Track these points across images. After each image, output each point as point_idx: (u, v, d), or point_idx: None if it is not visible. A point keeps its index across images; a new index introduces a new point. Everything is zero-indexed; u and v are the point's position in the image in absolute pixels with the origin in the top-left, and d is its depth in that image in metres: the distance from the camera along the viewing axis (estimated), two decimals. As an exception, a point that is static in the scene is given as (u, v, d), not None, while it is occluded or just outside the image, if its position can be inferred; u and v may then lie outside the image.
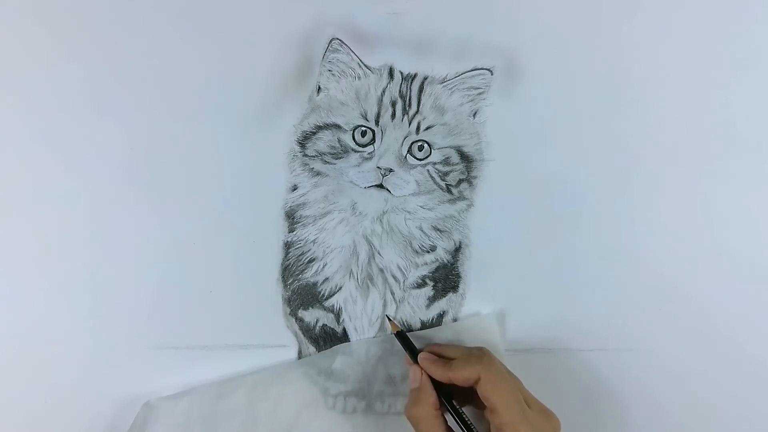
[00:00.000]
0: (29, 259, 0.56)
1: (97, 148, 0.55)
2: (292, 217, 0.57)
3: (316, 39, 0.55)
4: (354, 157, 0.55)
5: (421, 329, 0.57)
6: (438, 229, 0.57)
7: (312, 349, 0.58)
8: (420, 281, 0.57)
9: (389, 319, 0.57)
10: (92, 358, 0.56)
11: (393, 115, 0.55)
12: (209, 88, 0.55)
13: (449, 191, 0.56)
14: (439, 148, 0.56)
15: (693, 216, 0.57)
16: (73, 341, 0.56)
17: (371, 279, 0.57)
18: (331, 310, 0.57)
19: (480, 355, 0.51)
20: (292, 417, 0.56)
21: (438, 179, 0.56)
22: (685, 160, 0.57)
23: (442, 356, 0.52)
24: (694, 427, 0.58)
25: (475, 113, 0.56)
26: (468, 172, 0.56)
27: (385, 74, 0.55)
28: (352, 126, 0.55)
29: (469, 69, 0.55)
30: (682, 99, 0.56)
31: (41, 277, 0.56)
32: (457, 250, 0.57)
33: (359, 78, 0.55)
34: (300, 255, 0.57)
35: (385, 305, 0.57)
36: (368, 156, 0.55)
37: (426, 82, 0.55)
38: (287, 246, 0.57)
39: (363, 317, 0.57)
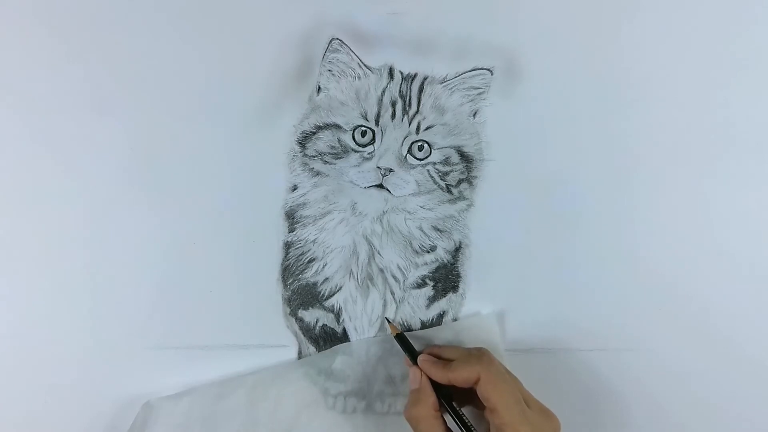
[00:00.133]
0: (29, 259, 0.56)
1: (97, 148, 0.55)
2: (292, 217, 0.57)
3: (316, 39, 0.55)
4: (354, 157, 0.55)
5: (421, 329, 0.57)
6: (438, 229, 0.57)
7: (312, 349, 0.58)
8: (420, 281, 0.57)
9: (388, 322, 0.57)
10: (92, 358, 0.56)
11: (393, 115, 0.55)
12: (209, 88, 0.55)
13: (449, 191, 0.56)
14: (439, 148, 0.56)
15: (693, 216, 0.57)
16: (73, 341, 0.56)
17: (371, 279, 0.57)
18: (331, 310, 0.57)
19: (479, 355, 0.51)
20: (292, 417, 0.56)
21: (438, 179, 0.56)
22: (685, 160, 0.57)
23: (441, 357, 0.52)
24: (694, 427, 0.58)
25: (475, 113, 0.56)
26: (468, 172, 0.56)
27: (385, 74, 0.55)
28: (352, 126, 0.55)
29: (469, 69, 0.55)
30: (682, 99, 0.56)
31: (41, 277, 0.56)
32: (457, 250, 0.57)
33: (359, 78, 0.55)
34: (300, 255, 0.57)
35: (385, 305, 0.57)
36: (368, 156, 0.55)
37: (426, 82, 0.55)
38: (287, 246, 0.57)
39: (363, 317, 0.57)
